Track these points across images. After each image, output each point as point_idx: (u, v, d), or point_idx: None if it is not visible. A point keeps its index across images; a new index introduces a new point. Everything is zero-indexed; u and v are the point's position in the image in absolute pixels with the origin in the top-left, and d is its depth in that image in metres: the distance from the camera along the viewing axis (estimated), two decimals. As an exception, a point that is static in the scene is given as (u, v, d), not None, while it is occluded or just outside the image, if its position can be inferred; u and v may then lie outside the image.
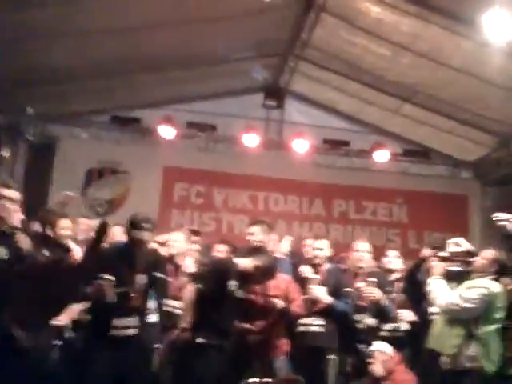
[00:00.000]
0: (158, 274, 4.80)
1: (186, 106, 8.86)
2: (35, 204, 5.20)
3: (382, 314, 4.91)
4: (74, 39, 6.62)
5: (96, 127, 8.81)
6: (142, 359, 4.16)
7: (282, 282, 4.63)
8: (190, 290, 4.47)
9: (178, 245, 4.99)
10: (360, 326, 4.91)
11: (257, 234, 4.75)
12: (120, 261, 4.03)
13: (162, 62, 7.51)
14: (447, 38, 6.84)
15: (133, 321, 4.01)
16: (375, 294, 4.86)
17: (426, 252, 4.85)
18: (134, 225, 4.07)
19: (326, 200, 9.18)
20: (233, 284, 4.29)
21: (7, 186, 3.65)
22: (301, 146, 8.71)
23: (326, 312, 4.76)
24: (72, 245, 4.53)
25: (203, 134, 8.95)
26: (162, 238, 4.96)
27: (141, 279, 4.07)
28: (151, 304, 4.74)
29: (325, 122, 9.22)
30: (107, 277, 3.79)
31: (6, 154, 8.15)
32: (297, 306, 4.66)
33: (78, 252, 4.49)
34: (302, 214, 9.10)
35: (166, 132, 8.44)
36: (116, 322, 3.91)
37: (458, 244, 4.46)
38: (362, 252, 5.27)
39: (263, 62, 8.48)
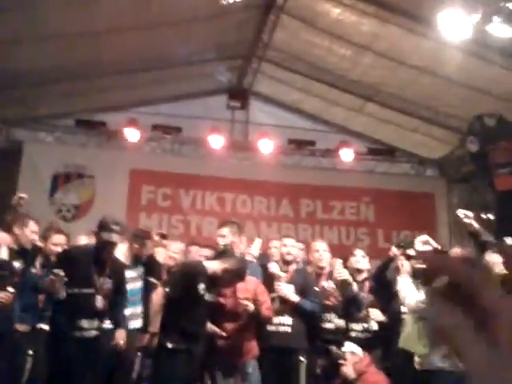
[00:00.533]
0: (152, 279, 4.91)
1: (150, 108, 8.88)
2: (1, 209, 5.15)
3: (354, 305, 4.87)
4: (37, 44, 6.61)
5: (61, 131, 8.78)
6: (98, 362, 4.10)
7: (250, 284, 4.59)
8: (158, 294, 4.44)
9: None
10: (328, 325, 4.90)
11: (227, 236, 4.74)
12: (87, 262, 3.97)
13: (125, 66, 7.52)
14: (406, 38, 6.97)
15: (95, 323, 3.95)
16: (343, 274, 4.84)
17: (395, 250, 4.84)
18: (103, 226, 4.00)
19: (293, 200, 9.22)
20: (202, 287, 4.25)
21: None
22: (266, 146, 8.77)
23: (294, 311, 4.73)
24: None
25: (169, 137, 8.96)
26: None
27: (106, 283, 4.01)
28: (138, 309, 4.84)
29: (289, 123, 9.30)
30: (57, 271, 3.71)
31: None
32: (266, 309, 4.61)
33: None
34: (270, 215, 9.13)
35: (132, 135, 8.43)
36: (79, 323, 3.86)
37: (425, 242, 4.48)
38: (321, 251, 5.28)
39: (226, 64, 8.55)
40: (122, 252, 4.84)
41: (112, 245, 3.99)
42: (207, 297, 4.34)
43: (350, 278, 4.81)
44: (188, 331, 4.15)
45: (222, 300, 4.49)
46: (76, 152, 8.61)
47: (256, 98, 9.34)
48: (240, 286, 4.47)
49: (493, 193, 7.44)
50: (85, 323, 3.89)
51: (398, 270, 4.50)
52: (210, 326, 4.43)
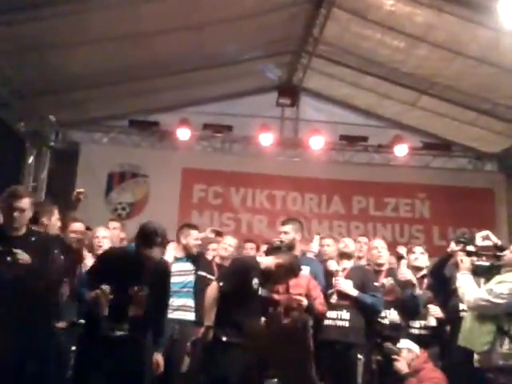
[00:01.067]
0: (204, 273, 5.09)
1: (201, 107, 8.93)
2: (60, 209, 5.32)
3: (412, 305, 4.78)
4: (92, 47, 6.80)
5: (115, 132, 8.98)
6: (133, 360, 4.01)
7: (302, 279, 4.57)
8: (212, 288, 4.51)
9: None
10: (385, 321, 4.82)
11: (290, 233, 4.78)
12: (123, 268, 3.70)
13: (177, 66, 7.61)
14: (463, 27, 6.71)
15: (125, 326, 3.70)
16: (407, 275, 4.80)
17: (453, 246, 4.70)
18: (144, 240, 3.67)
19: (345, 197, 9.06)
20: (255, 282, 4.24)
21: (18, 196, 3.67)
22: (317, 143, 8.66)
23: (352, 306, 4.66)
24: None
25: (219, 135, 9.00)
26: None
27: (144, 290, 3.74)
28: (190, 302, 4.97)
29: (341, 118, 9.12)
30: (105, 288, 3.55)
31: (31, 160, 8.38)
32: (319, 304, 4.59)
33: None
34: (321, 213, 9.02)
35: (183, 134, 8.52)
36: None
37: (486, 238, 4.31)
38: (380, 249, 5.20)
39: (276, 61, 8.50)
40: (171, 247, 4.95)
41: (152, 259, 3.72)
42: (261, 292, 4.35)
43: (414, 279, 4.77)
44: (242, 325, 4.16)
45: (275, 296, 4.48)
46: (130, 152, 8.82)
47: (306, 95, 9.22)
48: (292, 282, 4.45)
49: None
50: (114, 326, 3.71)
51: (457, 267, 4.35)
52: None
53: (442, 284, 4.69)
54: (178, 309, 4.86)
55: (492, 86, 7.56)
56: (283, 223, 4.95)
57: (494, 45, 6.68)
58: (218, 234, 5.87)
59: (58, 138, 8.83)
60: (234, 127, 8.86)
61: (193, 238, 5.08)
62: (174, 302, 4.69)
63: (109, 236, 5.04)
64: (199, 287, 4.96)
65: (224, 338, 4.14)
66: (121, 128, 8.93)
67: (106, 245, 4.84)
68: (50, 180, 8.58)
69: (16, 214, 3.59)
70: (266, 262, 4.35)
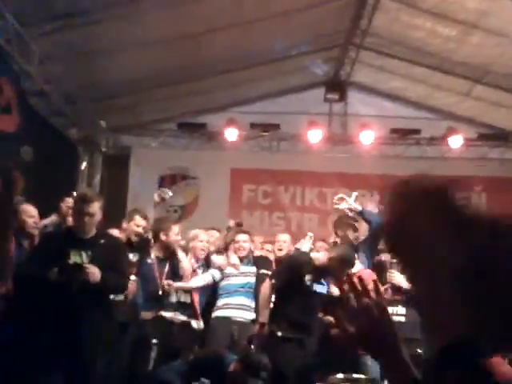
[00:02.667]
0: (264, 271, 5.19)
1: (248, 107, 8.90)
2: (114, 212, 5.44)
3: None
4: (139, 50, 6.87)
5: (165, 135, 9.07)
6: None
7: (365, 276, 4.46)
8: (266, 286, 4.49)
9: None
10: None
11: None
12: None
13: (222, 66, 7.61)
14: (518, 11, 6.39)
15: None
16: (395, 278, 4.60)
17: None
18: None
19: (397, 192, 8.80)
20: (308, 278, 4.19)
21: (88, 201, 3.73)
22: (367, 137, 8.46)
23: (408, 301, 4.51)
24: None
25: (267, 134, 8.94)
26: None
27: None
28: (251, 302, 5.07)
29: (391, 112, 8.88)
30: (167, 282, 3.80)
31: (84, 166, 8.57)
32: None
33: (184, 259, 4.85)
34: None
35: (231, 134, 8.52)
36: None
37: None
38: None
39: (322, 56, 8.38)
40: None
41: None
42: (315, 288, 4.29)
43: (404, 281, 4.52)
44: (297, 321, 4.17)
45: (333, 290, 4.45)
46: (179, 154, 8.91)
47: (354, 89, 9.04)
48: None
49: None
50: None
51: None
52: (326, 317, 4.37)
53: None
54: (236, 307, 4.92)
55: (552, 72, 7.20)
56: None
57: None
58: (239, 225, 5.97)
59: (109, 143, 9.01)
60: (282, 125, 8.77)
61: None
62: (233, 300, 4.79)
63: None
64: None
65: (279, 333, 4.12)
66: (169, 131, 9.02)
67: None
68: (102, 185, 8.74)
69: (86, 218, 3.68)
70: (319, 257, 4.32)
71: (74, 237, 3.73)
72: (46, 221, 4.91)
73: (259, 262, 5.26)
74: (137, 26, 6.36)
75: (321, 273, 4.37)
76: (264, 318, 4.45)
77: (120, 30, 6.36)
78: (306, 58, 8.08)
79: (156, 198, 5.07)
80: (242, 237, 5.27)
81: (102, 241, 3.81)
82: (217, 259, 5.25)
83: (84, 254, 3.67)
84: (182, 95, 8.30)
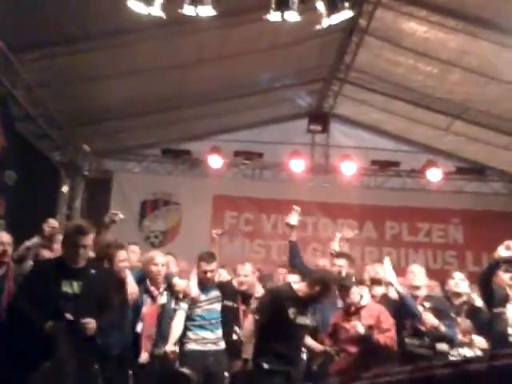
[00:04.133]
0: (228, 303, 4.89)
1: (232, 135, 9.02)
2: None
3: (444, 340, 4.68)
4: (126, 78, 6.93)
5: (148, 160, 9.09)
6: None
7: (374, 310, 4.54)
8: (249, 322, 4.45)
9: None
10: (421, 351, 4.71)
11: (345, 267, 4.96)
12: None
13: (208, 96, 7.71)
14: (497, 52, 6.66)
15: None
16: (430, 319, 4.56)
17: (501, 252, 4.39)
18: None
19: (377, 222, 8.97)
20: (292, 311, 4.22)
21: (83, 233, 3.70)
22: (348, 168, 8.64)
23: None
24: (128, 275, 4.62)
25: (250, 162, 9.04)
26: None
27: None
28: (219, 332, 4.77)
29: (372, 144, 9.12)
30: None
31: (65, 189, 8.49)
32: (386, 337, 4.47)
33: (132, 283, 4.58)
34: (354, 238, 8.90)
35: (215, 162, 8.59)
36: None
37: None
38: (418, 274, 5.09)
39: (307, 88, 8.56)
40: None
41: None
42: (299, 320, 4.31)
43: (436, 322, 4.52)
44: (283, 354, 4.15)
45: (346, 325, 4.49)
46: (163, 180, 8.93)
47: (336, 121, 9.25)
48: (364, 312, 4.48)
49: None
50: None
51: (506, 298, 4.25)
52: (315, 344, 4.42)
53: (488, 297, 4.41)
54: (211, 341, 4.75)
55: (527, 110, 7.48)
56: (337, 256, 5.09)
57: (529, 70, 6.63)
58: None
59: (92, 167, 8.99)
60: (265, 154, 8.91)
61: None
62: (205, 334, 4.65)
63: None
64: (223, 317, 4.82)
65: (266, 366, 4.12)
66: (153, 157, 9.06)
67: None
68: (83, 208, 8.68)
69: (81, 250, 3.64)
70: (301, 287, 4.36)
71: (66, 266, 3.68)
72: (29, 242, 4.84)
73: (224, 288, 4.92)
74: (125, 55, 6.43)
75: (304, 304, 4.40)
76: (248, 353, 4.41)
77: (108, 58, 6.42)
78: (290, 90, 8.24)
79: (106, 219, 4.76)
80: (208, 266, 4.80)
81: (93, 271, 3.78)
82: (182, 285, 4.86)
83: (75, 284, 3.64)
84: (167, 122, 8.37)
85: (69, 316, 3.43)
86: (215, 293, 4.85)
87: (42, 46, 6.00)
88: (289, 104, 8.63)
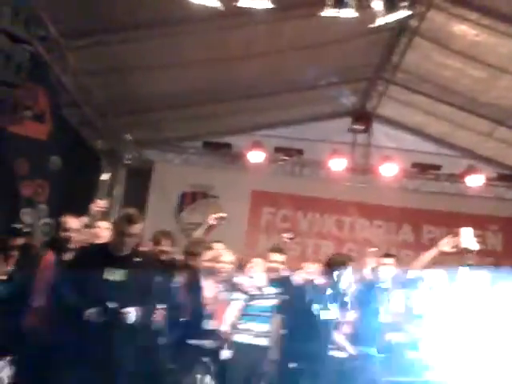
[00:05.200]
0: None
1: (273, 131, 9.02)
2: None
3: None
4: (174, 70, 6.98)
5: (188, 152, 9.15)
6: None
7: None
8: (276, 323, 4.45)
9: None
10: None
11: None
12: None
13: (253, 90, 7.75)
14: (548, 59, 6.54)
15: None
16: None
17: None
18: None
19: (415, 226, 8.90)
20: (316, 308, 4.24)
21: (132, 222, 3.70)
22: (389, 170, 8.58)
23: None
24: None
25: (290, 159, 9.04)
26: None
27: None
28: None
29: (413, 146, 9.03)
30: None
31: (106, 177, 8.61)
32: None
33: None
34: (390, 240, 8.86)
35: (255, 157, 8.61)
36: None
37: None
38: None
39: (351, 87, 8.49)
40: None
41: None
42: (323, 315, 4.30)
43: None
44: (309, 352, 4.12)
45: None
46: (202, 173, 8.96)
47: (379, 121, 9.18)
48: None
49: None
50: None
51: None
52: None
53: None
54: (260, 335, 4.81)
55: None
56: (384, 256, 5.09)
57: None
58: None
59: (133, 157, 9.06)
60: (305, 151, 8.90)
61: None
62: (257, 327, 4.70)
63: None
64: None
65: (291, 365, 4.12)
66: (194, 149, 9.11)
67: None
68: (123, 197, 8.80)
69: (128, 239, 3.66)
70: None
71: (110, 254, 3.69)
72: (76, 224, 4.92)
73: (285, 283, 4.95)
74: (172, 45, 6.48)
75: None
76: (275, 354, 4.43)
77: (155, 48, 6.46)
78: (334, 88, 8.20)
79: (209, 220, 4.90)
80: (278, 257, 4.99)
81: (138, 259, 3.80)
82: (243, 281, 4.94)
83: (119, 272, 3.66)
84: (209, 115, 8.40)
85: (110, 304, 3.44)
86: (276, 289, 4.93)
87: (92, 34, 6.05)
88: (332, 102, 8.57)
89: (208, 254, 4.78)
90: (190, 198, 8.86)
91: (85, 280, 3.53)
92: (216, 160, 9.08)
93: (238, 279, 4.99)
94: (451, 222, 8.86)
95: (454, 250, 5.22)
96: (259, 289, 4.89)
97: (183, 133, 8.92)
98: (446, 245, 5.05)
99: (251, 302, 4.87)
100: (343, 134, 9.00)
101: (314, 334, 4.25)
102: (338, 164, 8.60)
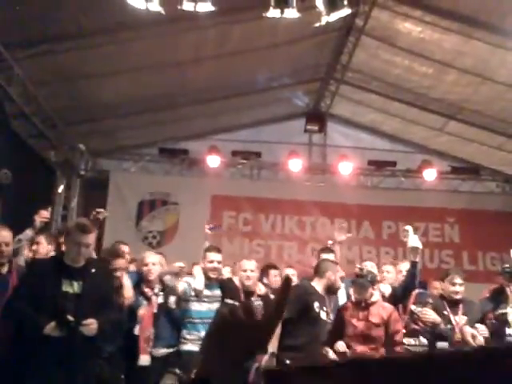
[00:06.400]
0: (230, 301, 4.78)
1: (230, 135, 9.04)
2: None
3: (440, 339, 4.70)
4: (124, 76, 6.92)
5: (145, 160, 9.06)
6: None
7: (385, 310, 4.51)
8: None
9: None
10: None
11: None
12: None
13: (207, 94, 7.72)
14: (491, 53, 6.76)
15: None
16: (431, 315, 4.60)
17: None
18: None
19: (374, 222, 9.03)
20: (317, 306, 4.28)
21: (86, 232, 3.65)
22: (345, 168, 8.69)
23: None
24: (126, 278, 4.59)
25: (248, 162, 9.06)
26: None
27: None
28: None
29: (368, 144, 9.19)
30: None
31: (61, 189, 8.44)
32: (399, 337, 4.51)
33: (128, 286, 4.56)
34: (351, 238, 8.92)
35: (213, 161, 8.59)
36: None
37: None
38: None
39: (304, 88, 8.60)
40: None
41: None
42: (322, 315, 4.34)
43: (438, 318, 4.56)
44: (306, 349, 4.16)
45: (354, 322, 4.47)
46: (160, 180, 8.89)
47: (333, 121, 9.31)
48: (373, 310, 4.47)
49: None
50: None
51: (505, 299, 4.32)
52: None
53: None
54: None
55: (521, 110, 7.57)
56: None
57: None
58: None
59: (88, 167, 8.93)
60: (263, 154, 8.93)
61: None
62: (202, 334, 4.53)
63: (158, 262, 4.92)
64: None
65: (288, 362, 4.11)
66: (150, 156, 9.02)
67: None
68: (79, 208, 8.63)
69: (83, 249, 3.60)
70: (316, 283, 4.46)
71: (65, 265, 3.62)
72: (21, 235, 4.80)
73: (225, 285, 4.84)
74: (122, 52, 6.43)
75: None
76: (273, 347, 4.39)
77: (104, 55, 6.41)
78: (287, 89, 8.29)
79: (90, 218, 4.73)
80: (215, 256, 4.77)
81: (93, 270, 3.74)
82: (178, 284, 4.67)
83: (75, 284, 3.59)
84: (164, 121, 8.36)
85: (70, 317, 3.38)
86: (218, 291, 4.81)
87: (38, 43, 5.96)
88: (286, 104, 8.67)
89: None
90: (148, 206, 8.76)
91: (41, 293, 3.46)
92: (173, 166, 9.02)
93: (171, 282, 4.76)
94: (409, 217, 9.09)
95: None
96: (198, 292, 4.73)
97: (139, 140, 8.82)
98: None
99: (188, 307, 4.71)
100: (299, 135, 9.08)
101: (313, 331, 4.31)
102: (295, 165, 8.67)
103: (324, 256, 5.15)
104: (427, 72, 7.53)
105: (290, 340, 4.17)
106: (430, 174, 8.81)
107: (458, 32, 6.67)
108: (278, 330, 4.25)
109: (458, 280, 4.79)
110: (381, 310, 4.49)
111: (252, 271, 4.95)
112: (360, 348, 4.39)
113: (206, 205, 8.74)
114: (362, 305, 4.50)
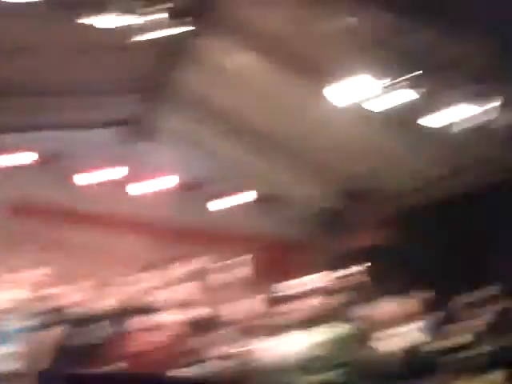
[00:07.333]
0: None
1: (39, 134, 8.31)
2: None
3: None
4: None
5: None
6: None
7: None
8: None
9: None
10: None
11: None
12: None
13: (20, 89, 7.03)
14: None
15: None
16: None
17: None
18: None
19: (177, 242, 8.83)
20: None
21: None
22: (155, 184, 8.75)
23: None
24: None
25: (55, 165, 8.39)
26: None
27: None
28: None
29: (181, 162, 9.07)
30: None
31: None
32: None
33: None
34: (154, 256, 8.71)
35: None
36: None
37: None
38: None
39: (123, 98, 8.32)
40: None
41: None
42: None
43: None
44: None
45: None
46: None
47: (150, 135, 9.09)
48: None
49: None
50: None
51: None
52: None
53: None
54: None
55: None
56: None
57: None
58: None
59: None
60: (72, 159, 8.37)
61: None
62: None
63: None
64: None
65: None
66: None
67: None
68: None
69: None
70: None
71: None
72: None
73: None
74: None
75: None
76: None
77: None
78: (107, 97, 7.96)
79: None
80: None
81: None
82: None
83: None
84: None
85: None
86: None
87: None
88: (104, 111, 8.30)
89: None
90: None
91: None
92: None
93: None
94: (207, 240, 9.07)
95: None
96: None
97: None
98: None
99: None
100: (112, 145, 8.73)
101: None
102: (103, 175, 8.41)
103: None
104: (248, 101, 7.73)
105: None
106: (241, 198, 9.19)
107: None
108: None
109: None
110: None
111: None
112: None
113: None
114: None
